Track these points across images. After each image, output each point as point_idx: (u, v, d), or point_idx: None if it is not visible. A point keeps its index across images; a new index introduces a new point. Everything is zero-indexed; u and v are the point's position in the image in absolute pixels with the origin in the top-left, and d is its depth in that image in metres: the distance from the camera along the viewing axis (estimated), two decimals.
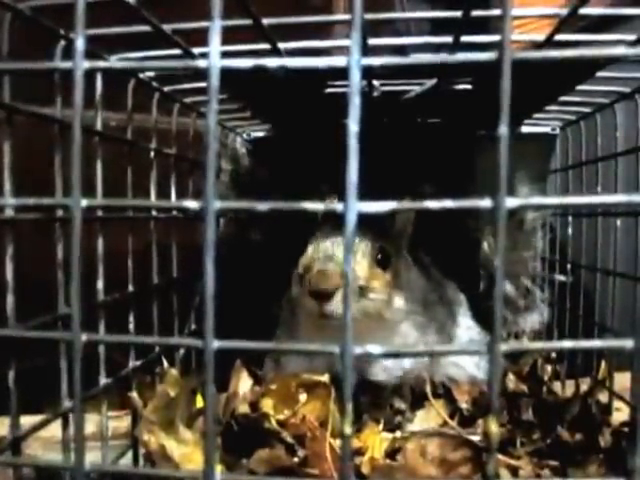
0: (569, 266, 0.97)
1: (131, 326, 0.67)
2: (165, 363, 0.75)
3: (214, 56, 0.34)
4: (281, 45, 0.55)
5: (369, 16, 0.46)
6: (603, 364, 0.81)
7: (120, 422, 0.78)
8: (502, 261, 0.32)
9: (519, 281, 1.02)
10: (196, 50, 0.57)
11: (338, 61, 0.34)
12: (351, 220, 0.33)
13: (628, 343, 0.33)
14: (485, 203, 0.32)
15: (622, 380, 0.79)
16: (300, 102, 0.85)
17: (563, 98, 0.84)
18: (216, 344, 0.35)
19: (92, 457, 0.49)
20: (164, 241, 0.76)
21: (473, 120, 0.96)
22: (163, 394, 0.69)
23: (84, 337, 0.36)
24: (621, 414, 0.78)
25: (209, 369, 0.35)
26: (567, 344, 0.33)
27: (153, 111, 0.71)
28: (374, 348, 0.33)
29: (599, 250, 0.86)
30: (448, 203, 0.33)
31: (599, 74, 0.72)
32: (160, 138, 0.74)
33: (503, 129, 0.32)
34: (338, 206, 0.33)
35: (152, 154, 0.70)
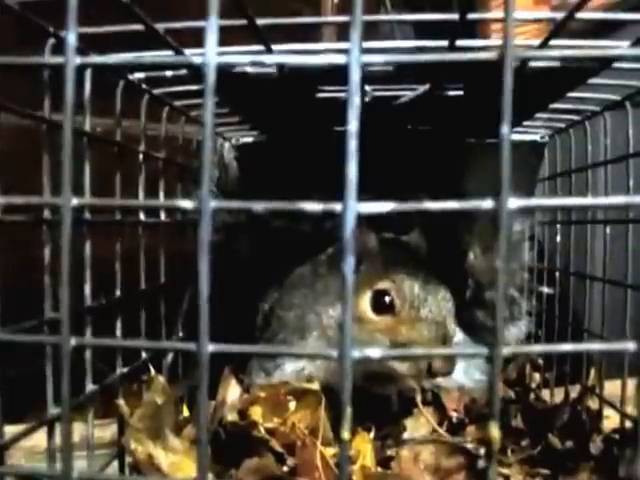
0: (557, 274, 0.97)
1: (118, 332, 0.66)
2: (152, 370, 0.74)
3: (211, 52, 0.33)
4: (275, 47, 0.54)
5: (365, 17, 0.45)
6: (592, 372, 0.81)
7: (104, 431, 0.76)
8: (504, 262, 0.32)
9: (506, 292, 1.02)
10: (188, 52, 0.56)
11: (337, 58, 0.33)
12: (350, 221, 0.32)
13: (630, 345, 0.32)
14: (487, 204, 0.32)
15: (611, 388, 0.79)
16: (290, 107, 0.85)
17: (552, 106, 0.84)
18: (211, 348, 0.34)
19: (76, 467, 0.48)
20: (151, 246, 0.75)
21: (463, 128, 0.96)
22: (150, 402, 0.67)
23: (73, 341, 0.35)
24: (610, 422, 0.77)
25: (203, 374, 0.34)
26: (567, 347, 0.32)
27: (142, 114, 0.70)
28: (373, 352, 0.32)
29: (588, 258, 0.86)
30: (450, 204, 0.32)
31: (589, 82, 0.72)
32: (148, 146, 0.73)
33: (505, 129, 0.32)
34: (336, 206, 0.33)
35: (140, 157, 0.69)
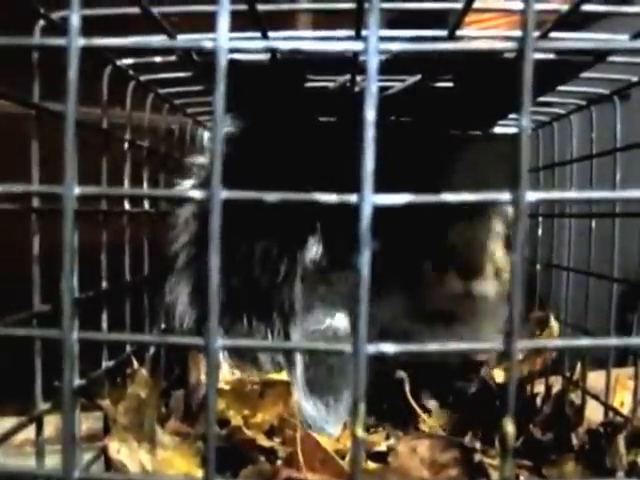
0: (538, 266, 0.97)
1: (104, 325, 0.64)
2: (135, 363, 0.72)
3: (222, 36, 0.32)
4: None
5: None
6: (579, 365, 0.81)
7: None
8: (520, 258, 0.31)
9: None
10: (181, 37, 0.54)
11: (354, 45, 0.32)
12: (367, 212, 0.31)
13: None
14: (504, 197, 0.32)
15: (593, 380, 0.79)
16: (277, 97, 0.84)
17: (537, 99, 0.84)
18: (220, 342, 0.33)
19: (53, 462, 0.46)
20: (135, 237, 0.73)
21: (447, 120, 0.96)
22: (134, 395, 0.66)
23: (75, 335, 0.34)
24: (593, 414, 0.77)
25: (212, 369, 0.33)
26: (585, 342, 0.32)
27: (128, 101, 0.68)
28: (388, 347, 0.32)
29: (571, 251, 0.87)
30: (467, 196, 0.32)
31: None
32: (133, 135, 0.71)
33: (525, 122, 0.31)
34: (352, 198, 0.32)
35: (126, 146, 0.67)
